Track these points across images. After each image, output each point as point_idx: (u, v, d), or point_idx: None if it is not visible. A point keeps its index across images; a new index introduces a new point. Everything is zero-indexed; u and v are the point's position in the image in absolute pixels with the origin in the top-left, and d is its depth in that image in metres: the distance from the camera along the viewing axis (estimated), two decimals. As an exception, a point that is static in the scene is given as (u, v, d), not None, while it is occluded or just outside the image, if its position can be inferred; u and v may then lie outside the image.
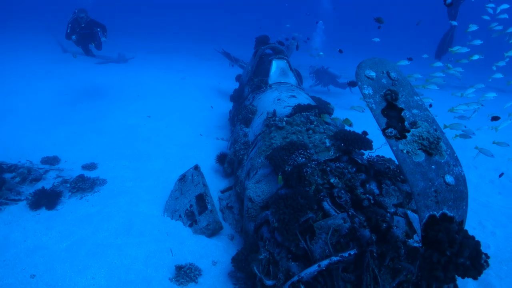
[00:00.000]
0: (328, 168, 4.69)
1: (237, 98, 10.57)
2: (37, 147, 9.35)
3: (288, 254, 4.17)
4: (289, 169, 4.63)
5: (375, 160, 5.05)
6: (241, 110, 7.74)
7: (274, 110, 6.57)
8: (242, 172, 6.18)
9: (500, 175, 7.67)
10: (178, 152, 9.09)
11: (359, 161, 4.95)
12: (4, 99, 13.34)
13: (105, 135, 10.37)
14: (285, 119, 6.06)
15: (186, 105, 13.90)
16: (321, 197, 4.33)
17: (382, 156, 5.26)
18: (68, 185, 7.30)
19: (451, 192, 2.67)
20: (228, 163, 7.33)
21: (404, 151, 2.69)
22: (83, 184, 7.25)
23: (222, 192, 6.99)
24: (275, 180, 5.06)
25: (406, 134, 2.72)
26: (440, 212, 2.59)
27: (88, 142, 9.81)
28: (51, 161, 8.67)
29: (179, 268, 5.01)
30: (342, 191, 4.36)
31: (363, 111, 7.02)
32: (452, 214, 2.63)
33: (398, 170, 4.80)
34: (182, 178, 6.64)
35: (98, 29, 12.98)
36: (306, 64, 20.54)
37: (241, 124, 7.50)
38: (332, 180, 4.47)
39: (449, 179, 2.67)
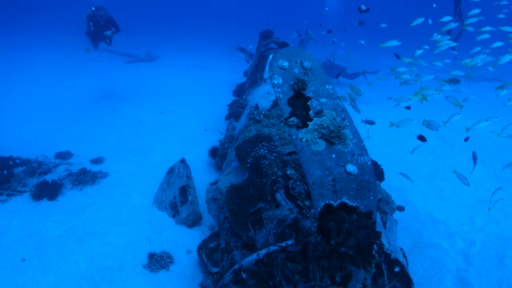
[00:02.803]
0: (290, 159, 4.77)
1: (239, 93, 10.73)
2: (55, 143, 9.95)
3: (242, 243, 4.31)
4: (250, 161, 4.75)
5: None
6: (232, 105, 7.89)
7: (257, 104, 6.68)
8: (224, 165, 6.35)
9: (466, 139, 7.19)
10: (179, 147, 9.40)
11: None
12: (30, 99, 14.22)
13: (117, 131, 10.87)
14: (263, 112, 6.16)
15: (199, 101, 14.20)
16: (276, 189, 4.41)
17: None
18: (72, 177, 7.76)
19: (353, 181, 2.69)
20: (219, 156, 7.52)
21: (303, 140, 2.74)
22: (84, 177, 7.69)
23: (211, 184, 7.17)
24: (244, 172, 5.20)
25: (309, 123, 2.77)
26: (339, 201, 2.62)
27: (101, 138, 10.33)
28: (63, 155, 9.21)
29: (151, 256, 5.26)
30: (298, 182, 4.41)
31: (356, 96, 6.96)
32: (354, 204, 2.66)
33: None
34: (170, 171, 6.90)
35: (113, 29, 13.41)
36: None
37: (231, 118, 7.66)
38: (288, 172, 4.54)
39: (350, 168, 2.68)
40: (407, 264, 4.70)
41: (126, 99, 14.58)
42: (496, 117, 6.14)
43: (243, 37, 27.32)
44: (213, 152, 7.93)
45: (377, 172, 4.95)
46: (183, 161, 6.78)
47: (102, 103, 14.03)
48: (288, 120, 2.78)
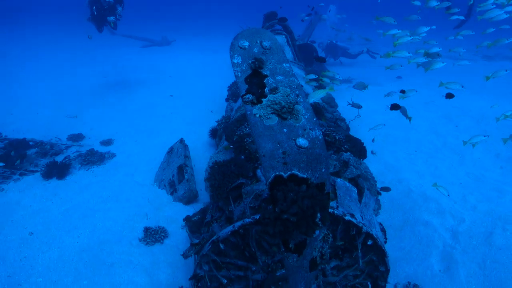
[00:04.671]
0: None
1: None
2: (70, 126, 10.39)
3: (225, 217, 4.54)
4: (235, 139, 4.94)
5: (327, 132, 5.17)
6: (231, 86, 8.05)
7: (251, 85, 6.81)
8: (219, 145, 6.57)
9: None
10: (185, 128, 9.68)
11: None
12: (48, 85, 14.74)
13: (128, 113, 11.25)
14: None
15: (209, 84, 14.42)
16: (257, 165, 4.60)
17: (339, 127, 5.37)
18: (80, 158, 8.15)
19: (304, 154, 2.84)
20: (219, 137, 7.73)
21: (257, 115, 2.89)
22: (92, 157, 8.07)
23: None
24: (231, 150, 5.39)
25: (263, 99, 2.92)
26: (289, 173, 2.78)
27: (112, 121, 10.72)
28: (75, 138, 9.64)
29: (146, 230, 5.57)
30: (279, 159, 4.59)
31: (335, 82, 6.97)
32: (304, 176, 2.81)
33: (343, 140, 4.92)
34: (170, 151, 7.17)
35: (117, 15, 13.41)
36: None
37: (230, 99, 7.83)
38: (270, 149, 4.70)
39: (301, 141, 2.82)
40: (386, 239, 4.84)
41: (140, 83, 14.95)
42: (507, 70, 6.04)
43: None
44: (214, 132, 8.15)
45: (361, 150, 5.06)
46: (182, 141, 7.03)
47: (116, 87, 14.43)
48: (244, 97, 2.94)
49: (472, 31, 8.12)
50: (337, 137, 4.89)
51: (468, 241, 5.60)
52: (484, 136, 5.76)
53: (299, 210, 2.56)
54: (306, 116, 2.94)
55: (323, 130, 5.14)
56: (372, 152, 8.00)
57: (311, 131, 2.91)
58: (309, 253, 2.99)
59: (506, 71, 5.91)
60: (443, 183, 6.94)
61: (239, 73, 3.03)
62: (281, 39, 9.30)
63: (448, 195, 5.68)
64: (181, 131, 9.44)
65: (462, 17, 8.59)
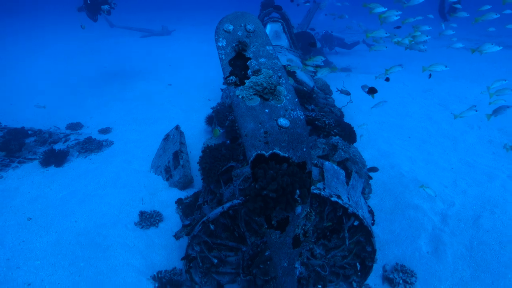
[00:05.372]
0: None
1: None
2: (69, 115, 10.48)
3: (217, 200, 4.65)
4: (227, 124, 5.04)
5: (317, 116, 5.26)
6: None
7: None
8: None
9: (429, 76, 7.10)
10: (182, 116, 9.78)
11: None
12: (49, 74, 14.84)
13: (126, 102, 11.35)
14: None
15: (207, 72, 14.45)
16: (248, 149, 4.69)
17: (330, 110, 5.45)
18: (78, 146, 8.27)
19: (285, 134, 2.93)
20: (214, 123, 7.83)
21: (240, 96, 2.99)
22: (90, 145, 8.19)
23: (206, 150, 7.54)
24: (223, 135, 5.50)
25: (245, 81, 3.01)
26: (270, 151, 2.88)
27: (111, 110, 10.83)
28: (74, 126, 9.76)
29: (141, 214, 5.70)
30: (269, 143, 4.68)
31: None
32: (286, 155, 2.91)
33: (333, 124, 5.01)
34: (166, 138, 7.28)
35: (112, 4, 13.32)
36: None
37: (225, 86, 7.90)
38: (261, 134, 4.80)
39: (282, 121, 2.92)
40: (374, 221, 4.95)
41: (139, 72, 15.02)
42: (505, 80, 6.07)
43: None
44: (210, 120, 8.24)
45: (350, 134, 5.15)
46: (177, 127, 7.13)
47: (116, 76, 14.50)
48: (227, 78, 3.03)
49: (467, 13, 8.12)
50: (326, 122, 4.97)
51: (457, 224, 5.71)
52: (476, 111, 5.79)
53: (278, 187, 2.66)
54: (288, 97, 3.02)
55: (313, 115, 5.23)
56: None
57: (292, 112, 3.00)
58: (291, 230, 3.10)
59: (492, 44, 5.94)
60: (435, 168, 7.05)
61: (223, 56, 3.12)
62: (277, 26, 9.36)
63: (436, 195, 5.78)
64: (179, 119, 9.55)
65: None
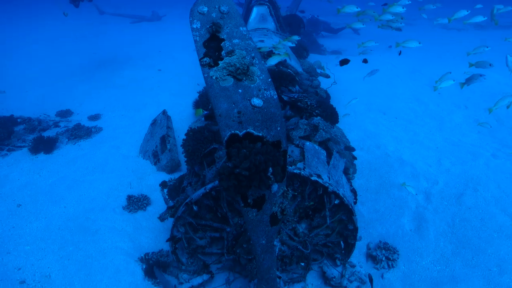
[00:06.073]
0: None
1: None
2: (59, 103, 10.44)
3: (201, 182, 4.71)
4: (210, 106, 5.07)
5: (299, 98, 5.30)
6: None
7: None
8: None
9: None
10: (170, 101, 9.79)
11: (284, 98, 5.24)
12: (38, 62, 14.73)
13: (116, 88, 11.32)
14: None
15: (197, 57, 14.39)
16: (231, 131, 4.74)
17: (316, 92, 5.48)
18: (68, 133, 8.29)
19: (259, 113, 2.98)
20: (198, 106, 7.85)
21: (214, 77, 3.02)
22: (79, 132, 8.21)
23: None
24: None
25: (219, 62, 3.05)
26: (244, 131, 2.93)
27: (101, 96, 10.81)
28: (64, 114, 9.75)
29: (129, 198, 5.77)
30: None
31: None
32: (260, 134, 2.96)
33: (315, 105, 5.06)
34: (153, 123, 7.32)
35: None
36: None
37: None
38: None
39: (256, 101, 2.96)
40: (356, 200, 5.04)
41: (129, 58, 14.94)
42: (487, 47, 6.00)
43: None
44: (197, 104, 8.25)
45: (332, 115, 5.21)
46: (164, 112, 7.16)
47: (106, 63, 14.41)
48: (201, 60, 3.06)
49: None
50: (308, 103, 5.02)
51: (440, 202, 5.82)
52: (453, 81, 5.80)
53: (251, 165, 2.71)
54: (261, 77, 3.06)
55: (296, 96, 5.27)
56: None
57: (265, 91, 3.04)
58: (268, 208, 3.17)
59: (487, 48, 5.94)
60: (420, 148, 7.14)
61: (197, 38, 3.14)
62: (264, 9, 9.32)
63: (416, 194, 5.82)
64: (167, 104, 9.55)
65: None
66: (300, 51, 9.54)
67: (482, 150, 7.00)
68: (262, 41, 7.74)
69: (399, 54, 6.68)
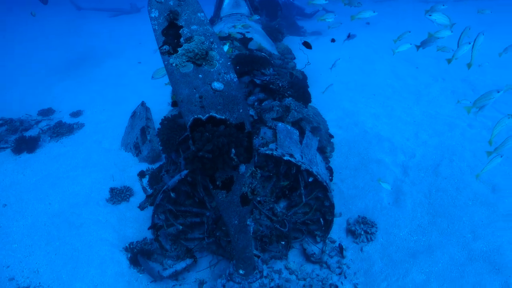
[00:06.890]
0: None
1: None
2: (40, 101, 10.39)
3: (179, 170, 4.79)
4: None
5: (271, 80, 5.35)
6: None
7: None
8: (178, 104, 6.74)
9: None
10: (151, 94, 9.76)
11: (257, 82, 5.30)
12: (18, 61, 14.56)
13: (97, 83, 11.30)
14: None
15: (178, 48, 14.34)
16: (204, 118, 4.80)
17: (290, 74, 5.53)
18: (50, 131, 8.29)
19: (220, 97, 3.05)
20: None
21: (174, 64, 3.08)
22: (61, 129, 8.22)
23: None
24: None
25: (178, 49, 3.10)
26: (207, 115, 3.00)
27: (82, 92, 10.78)
28: (46, 112, 9.73)
29: (112, 190, 5.84)
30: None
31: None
32: (223, 117, 3.04)
33: (286, 86, 5.13)
34: (133, 115, 7.35)
35: None
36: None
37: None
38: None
39: (216, 85, 3.03)
40: (332, 177, 5.15)
41: (108, 52, 14.83)
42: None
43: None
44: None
45: (304, 94, 5.28)
46: (143, 104, 7.19)
47: (85, 59, 14.31)
48: (161, 48, 3.11)
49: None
50: (280, 84, 5.08)
51: (417, 174, 5.96)
52: (410, 44, 5.84)
53: (214, 147, 2.80)
54: (221, 61, 3.13)
55: (267, 79, 5.33)
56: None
57: (225, 75, 3.11)
58: (238, 189, 3.26)
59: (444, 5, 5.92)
60: (398, 122, 7.26)
61: (156, 27, 3.19)
62: (237, -7, 9.30)
63: (391, 188, 5.89)
64: (148, 96, 9.51)
65: None
66: (275, 34, 9.56)
67: (459, 121, 7.13)
68: (234, 26, 7.75)
69: (348, 36, 6.75)
